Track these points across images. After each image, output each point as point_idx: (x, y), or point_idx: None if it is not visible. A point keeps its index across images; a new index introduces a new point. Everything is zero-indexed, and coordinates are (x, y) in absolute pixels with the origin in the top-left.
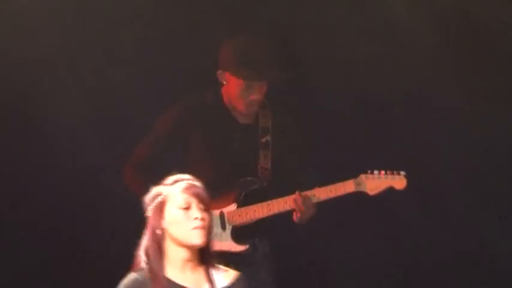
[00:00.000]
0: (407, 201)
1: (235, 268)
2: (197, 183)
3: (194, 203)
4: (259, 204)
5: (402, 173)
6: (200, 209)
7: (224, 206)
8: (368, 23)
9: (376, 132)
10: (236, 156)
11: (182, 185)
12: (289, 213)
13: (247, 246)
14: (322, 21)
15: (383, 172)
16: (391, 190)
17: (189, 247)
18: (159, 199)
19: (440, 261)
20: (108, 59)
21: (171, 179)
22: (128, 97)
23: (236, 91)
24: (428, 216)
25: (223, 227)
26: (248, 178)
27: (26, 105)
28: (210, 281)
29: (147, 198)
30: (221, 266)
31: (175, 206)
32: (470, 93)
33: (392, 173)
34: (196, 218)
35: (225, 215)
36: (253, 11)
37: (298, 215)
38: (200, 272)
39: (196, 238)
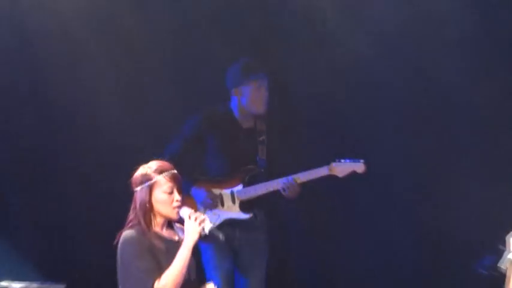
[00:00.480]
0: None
1: (243, 230)
2: (176, 172)
3: (175, 188)
4: (259, 185)
5: (361, 160)
6: (179, 192)
7: (233, 186)
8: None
9: (342, 131)
10: (241, 151)
11: (168, 174)
12: (280, 191)
13: (251, 215)
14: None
15: (348, 160)
16: (354, 173)
17: (169, 218)
18: (149, 183)
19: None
20: (153, 85)
21: (157, 166)
22: (165, 109)
23: (253, 95)
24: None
25: (233, 201)
26: (250, 166)
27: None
28: (176, 232)
29: (137, 176)
30: (177, 224)
31: (162, 191)
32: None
33: (355, 161)
34: (177, 201)
35: (234, 193)
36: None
37: (287, 192)
38: (170, 228)
39: (176, 214)
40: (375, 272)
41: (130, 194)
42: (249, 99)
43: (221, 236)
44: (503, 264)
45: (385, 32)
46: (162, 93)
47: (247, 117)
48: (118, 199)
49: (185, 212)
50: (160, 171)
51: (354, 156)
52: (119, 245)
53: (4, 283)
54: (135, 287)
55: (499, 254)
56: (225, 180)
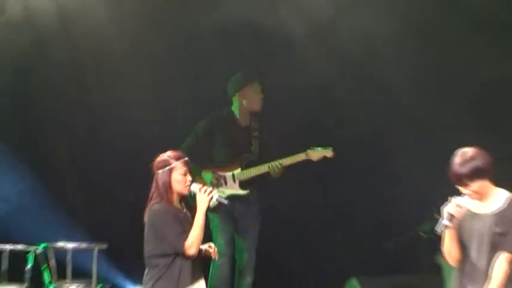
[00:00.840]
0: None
1: (243, 203)
2: (188, 159)
3: (188, 171)
4: (253, 168)
5: (330, 148)
6: (190, 174)
7: (234, 170)
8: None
9: (315, 127)
10: (239, 144)
11: (183, 161)
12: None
13: (247, 191)
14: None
15: (320, 148)
16: (325, 158)
17: (182, 194)
18: (169, 167)
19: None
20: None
21: (174, 155)
22: (179, 113)
23: (253, 95)
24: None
25: (234, 181)
26: (246, 154)
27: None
28: (183, 207)
29: (158, 162)
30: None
31: (178, 174)
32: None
33: (325, 148)
34: (189, 180)
35: (235, 175)
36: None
37: (273, 173)
38: (179, 204)
39: (187, 190)
40: (342, 239)
41: (151, 176)
42: (250, 99)
43: (227, 202)
44: (439, 229)
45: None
46: (177, 101)
47: (245, 117)
48: (143, 178)
49: (196, 187)
50: (177, 158)
51: (323, 144)
52: (149, 218)
53: (60, 243)
54: (170, 247)
55: (436, 221)
56: (228, 165)
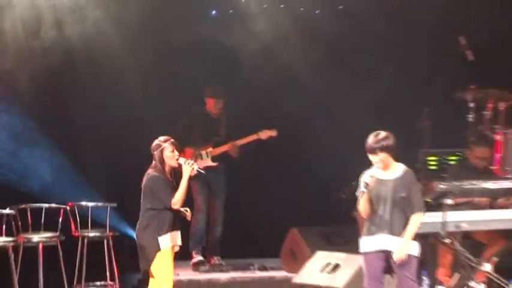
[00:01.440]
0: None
1: (214, 172)
2: (174, 140)
3: (174, 149)
4: (220, 147)
5: (275, 129)
6: (177, 151)
7: (207, 149)
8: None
9: (263, 116)
10: (211, 131)
11: (170, 142)
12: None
13: (217, 163)
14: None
15: (267, 130)
16: (271, 137)
17: (172, 166)
18: (161, 148)
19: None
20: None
21: (164, 139)
22: (168, 108)
23: (214, 106)
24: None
25: (207, 156)
26: (216, 137)
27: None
28: (173, 177)
29: (154, 145)
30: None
31: (168, 151)
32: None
33: (271, 129)
34: (176, 155)
35: (208, 152)
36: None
37: (234, 151)
38: (171, 175)
39: (176, 164)
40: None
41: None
42: (212, 107)
43: (204, 172)
44: (358, 193)
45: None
46: (166, 99)
47: (215, 112)
48: (145, 153)
49: (182, 160)
50: (165, 141)
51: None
52: (147, 181)
53: (83, 203)
54: (161, 202)
55: (354, 186)
56: (203, 146)
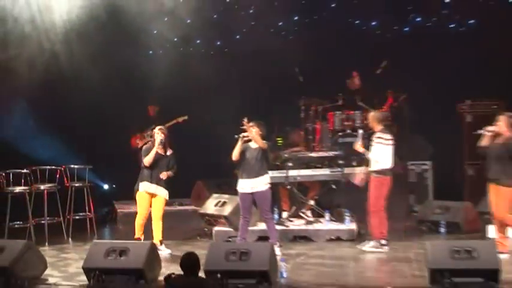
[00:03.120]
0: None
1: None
2: (163, 127)
3: (163, 135)
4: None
5: (186, 115)
6: (163, 135)
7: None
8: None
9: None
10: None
11: (160, 129)
12: None
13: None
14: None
15: (181, 116)
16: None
17: (159, 142)
18: (153, 134)
19: None
20: None
21: (151, 132)
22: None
23: (152, 110)
24: None
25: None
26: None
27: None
28: (165, 151)
29: (148, 132)
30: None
31: (158, 135)
32: None
33: (183, 115)
34: (161, 137)
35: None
36: None
37: (164, 129)
38: (163, 149)
39: (159, 140)
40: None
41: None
42: (151, 110)
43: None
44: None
45: None
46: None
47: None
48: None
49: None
50: (152, 131)
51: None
52: (144, 148)
53: (70, 165)
54: (144, 160)
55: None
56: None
